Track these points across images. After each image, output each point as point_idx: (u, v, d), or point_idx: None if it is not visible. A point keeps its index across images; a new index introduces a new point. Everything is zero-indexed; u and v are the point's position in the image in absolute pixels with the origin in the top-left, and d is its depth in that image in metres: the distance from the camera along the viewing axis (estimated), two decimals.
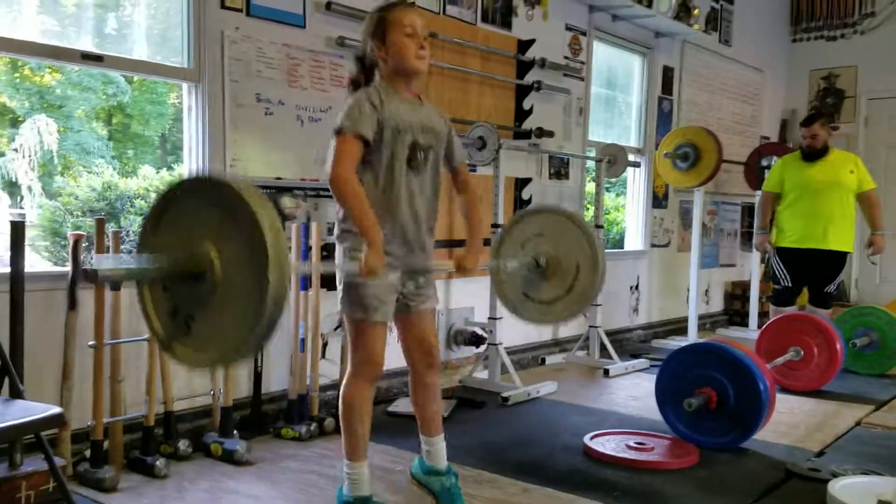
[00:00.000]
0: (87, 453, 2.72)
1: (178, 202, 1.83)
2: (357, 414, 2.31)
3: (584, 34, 5.19)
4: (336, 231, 2.32)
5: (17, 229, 2.50)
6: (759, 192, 5.48)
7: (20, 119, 11.54)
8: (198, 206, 1.79)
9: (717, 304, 6.99)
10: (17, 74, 11.07)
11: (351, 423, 2.31)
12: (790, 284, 4.96)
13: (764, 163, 6.15)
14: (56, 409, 2.09)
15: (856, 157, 5.01)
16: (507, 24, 4.59)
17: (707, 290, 6.76)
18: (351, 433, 2.31)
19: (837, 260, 4.85)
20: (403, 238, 2.27)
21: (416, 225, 2.29)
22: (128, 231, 5.10)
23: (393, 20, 2.17)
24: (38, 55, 2.83)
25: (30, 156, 11.00)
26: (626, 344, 5.75)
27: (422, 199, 2.29)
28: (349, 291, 2.25)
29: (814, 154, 4.83)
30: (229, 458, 2.92)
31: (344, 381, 2.34)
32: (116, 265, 1.77)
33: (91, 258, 2.82)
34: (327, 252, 3.50)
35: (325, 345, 3.55)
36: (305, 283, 3.37)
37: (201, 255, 1.76)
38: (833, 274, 4.86)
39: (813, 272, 4.90)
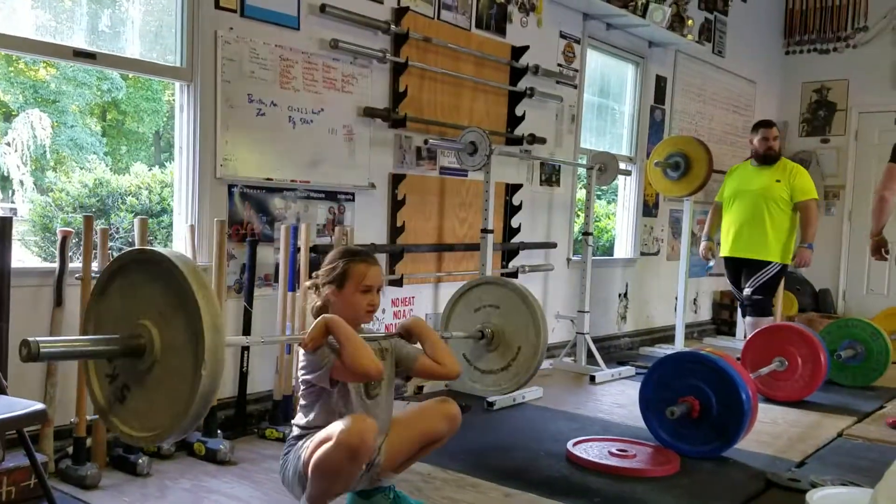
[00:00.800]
0: (70, 450, 2.72)
1: (131, 271, 1.84)
2: (327, 478, 2.10)
3: (577, 42, 5.22)
4: (286, 450, 2.27)
5: (5, 225, 2.51)
6: None
7: (13, 113, 11.52)
8: (147, 280, 1.80)
9: (704, 313, 7.03)
10: (11, 68, 11.05)
11: (316, 483, 2.12)
12: (740, 297, 5.13)
13: None
14: (39, 406, 2.09)
15: (797, 167, 5.00)
16: (501, 31, 4.61)
17: (695, 299, 6.80)
18: (315, 491, 2.14)
19: (754, 266, 4.94)
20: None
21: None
22: (118, 228, 5.09)
23: (353, 274, 2.25)
24: (30, 51, 2.84)
25: (22, 150, 10.98)
26: (614, 351, 5.77)
27: (383, 416, 2.32)
28: (290, 471, 2.22)
29: (771, 158, 4.92)
30: (212, 457, 2.92)
31: (321, 449, 2.07)
32: (59, 344, 1.81)
33: (79, 256, 2.82)
34: (316, 253, 3.51)
35: None
36: (293, 283, 3.38)
37: (143, 331, 1.78)
38: (749, 276, 4.95)
39: (744, 279, 5.04)
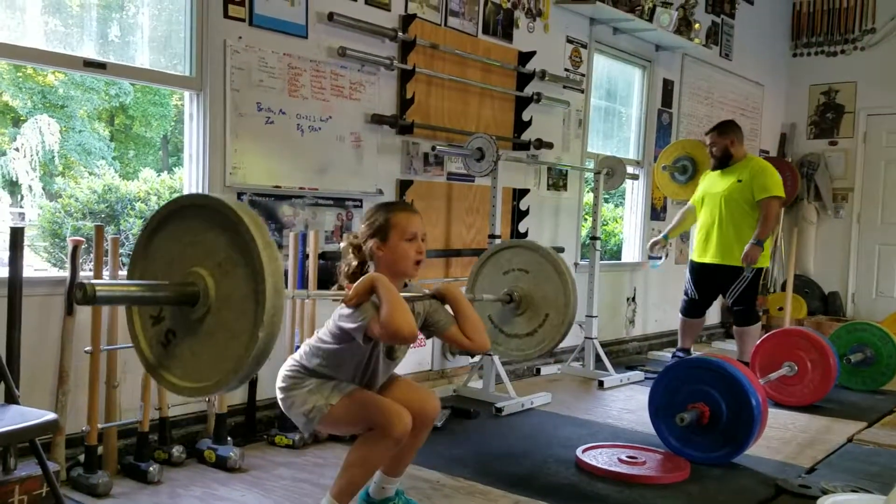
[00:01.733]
0: (82, 458, 2.73)
1: (189, 216, 1.78)
2: (368, 469, 2.22)
3: (584, 46, 5.22)
4: (286, 373, 2.30)
5: (16, 235, 2.52)
6: None
7: (22, 118, 11.59)
8: (206, 228, 1.74)
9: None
10: (19, 74, 11.11)
11: (354, 475, 2.22)
12: (695, 297, 5.09)
13: None
14: (51, 416, 2.10)
15: (760, 164, 4.85)
16: (508, 36, 4.62)
17: None
18: (351, 482, 2.23)
19: (726, 273, 4.86)
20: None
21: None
22: (127, 235, 5.11)
23: (396, 224, 2.25)
24: (41, 62, 2.87)
25: (31, 155, 11.03)
26: (622, 355, 5.76)
27: (388, 373, 2.38)
28: (297, 405, 2.23)
29: (718, 163, 4.88)
30: (223, 464, 2.93)
31: (363, 437, 2.21)
32: (113, 287, 1.74)
33: (90, 264, 2.84)
34: (324, 259, 3.52)
35: None
36: (301, 288, 3.38)
37: (197, 279, 1.73)
38: (726, 285, 4.89)
39: (714, 286, 5.00)
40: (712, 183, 4.96)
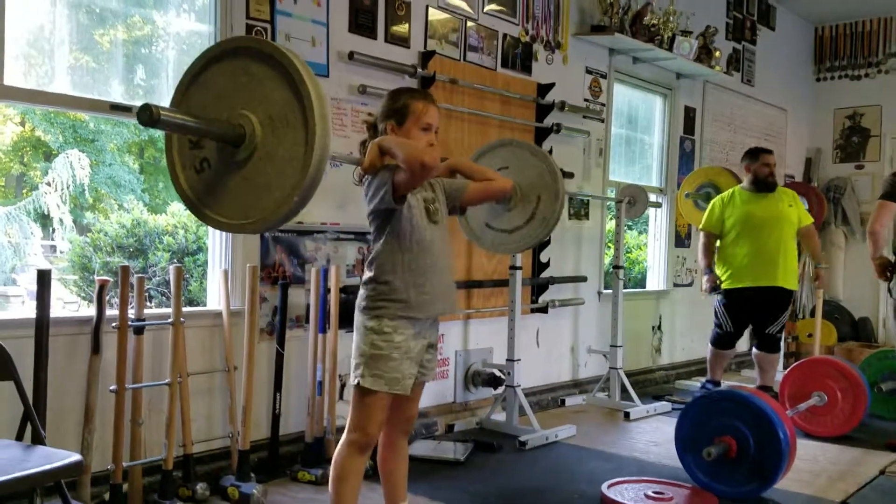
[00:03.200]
0: (107, 496, 2.75)
1: (255, 59, 1.81)
2: (346, 486, 2.27)
3: (604, 77, 5.23)
4: (361, 302, 2.28)
5: (44, 277, 2.57)
6: None
7: (54, 153, 11.84)
8: (268, 77, 1.78)
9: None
10: (51, 110, 11.37)
11: (340, 495, 2.28)
12: (731, 329, 4.91)
13: None
14: (76, 457, 2.12)
15: (793, 192, 5.06)
16: (526, 69, 4.65)
17: None
18: (340, 500, 2.28)
19: (784, 298, 4.81)
20: (434, 284, 2.30)
21: (446, 271, 2.37)
22: (155, 272, 5.18)
23: (414, 111, 2.25)
24: (68, 106, 2.94)
25: (62, 189, 11.26)
26: (648, 385, 5.70)
27: (444, 246, 2.37)
28: (375, 362, 2.22)
29: (770, 185, 4.81)
30: (246, 501, 2.94)
31: (338, 446, 2.31)
32: (175, 115, 1.80)
33: (116, 302, 2.88)
34: (346, 294, 3.54)
35: (342, 387, 3.57)
36: (323, 325, 3.41)
37: (245, 123, 1.78)
38: (777, 313, 4.81)
39: (756, 312, 4.82)
40: (755, 207, 4.77)
